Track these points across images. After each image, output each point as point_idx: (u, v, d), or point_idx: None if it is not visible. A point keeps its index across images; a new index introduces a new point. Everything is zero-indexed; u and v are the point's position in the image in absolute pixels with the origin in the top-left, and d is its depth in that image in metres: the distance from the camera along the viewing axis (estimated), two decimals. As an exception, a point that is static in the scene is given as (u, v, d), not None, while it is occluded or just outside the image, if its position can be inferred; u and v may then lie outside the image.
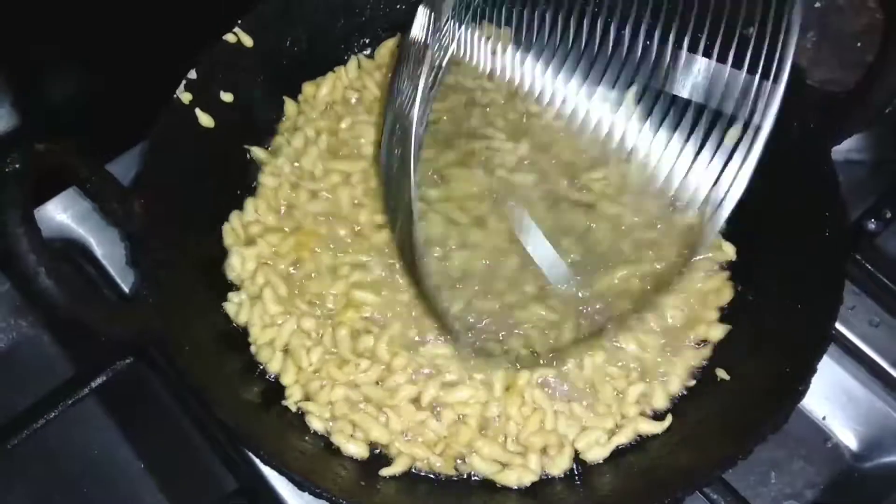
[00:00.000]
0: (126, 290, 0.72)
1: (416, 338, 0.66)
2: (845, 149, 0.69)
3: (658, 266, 0.67)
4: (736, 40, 0.60)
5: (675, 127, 0.65)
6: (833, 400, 0.71)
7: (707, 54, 0.64)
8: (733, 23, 0.60)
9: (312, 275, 0.68)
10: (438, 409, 0.63)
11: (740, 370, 0.64)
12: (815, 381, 0.58)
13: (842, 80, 0.71)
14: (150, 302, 0.59)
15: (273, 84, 0.75)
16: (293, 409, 0.63)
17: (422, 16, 0.59)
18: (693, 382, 0.65)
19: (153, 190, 0.64)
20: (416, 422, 0.63)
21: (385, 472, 0.61)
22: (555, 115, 0.71)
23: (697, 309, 0.67)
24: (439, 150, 0.72)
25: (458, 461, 0.62)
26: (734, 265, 0.69)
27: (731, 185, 0.58)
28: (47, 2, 0.73)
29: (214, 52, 0.70)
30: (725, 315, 0.68)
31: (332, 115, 0.75)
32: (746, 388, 0.63)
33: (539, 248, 0.67)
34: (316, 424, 0.63)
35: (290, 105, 0.76)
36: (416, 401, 0.63)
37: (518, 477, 0.61)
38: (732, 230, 0.68)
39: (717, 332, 0.66)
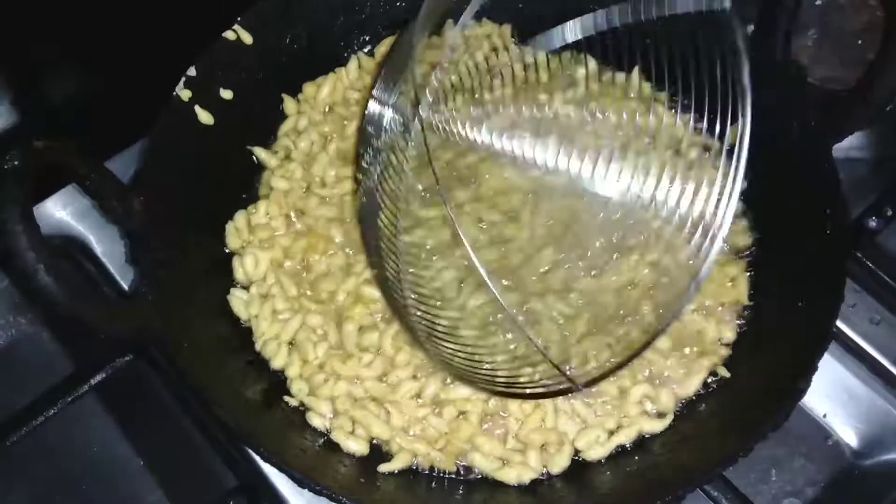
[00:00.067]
0: (125, 287, 0.72)
1: (420, 334, 0.66)
2: (846, 146, 0.69)
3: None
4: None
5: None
6: (834, 398, 0.71)
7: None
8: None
9: (324, 274, 0.68)
10: (439, 405, 0.63)
11: (741, 368, 0.64)
12: (816, 378, 0.58)
13: (842, 78, 0.71)
14: (149, 299, 0.59)
15: (273, 81, 0.75)
16: (296, 404, 0.63)
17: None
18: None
19: (153, 187, 0.63)
20: (417, 418, 0.62)
21: (384, 468, 0.61)
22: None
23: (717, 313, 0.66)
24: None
25: (459, 458, 0.62)
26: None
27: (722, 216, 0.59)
28: (47, 1, 0.73)
29: (214, 49, 0.70)
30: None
31: (335, 118, 0.75)
32: (747, 386, 0.63)
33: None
34: (316, 422, 0.63)
35: (289, 103, 0.76)
36: (417, 397, 0.63)
37: (518, 474, 0.61)
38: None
39: (730, 334, 0.66)
